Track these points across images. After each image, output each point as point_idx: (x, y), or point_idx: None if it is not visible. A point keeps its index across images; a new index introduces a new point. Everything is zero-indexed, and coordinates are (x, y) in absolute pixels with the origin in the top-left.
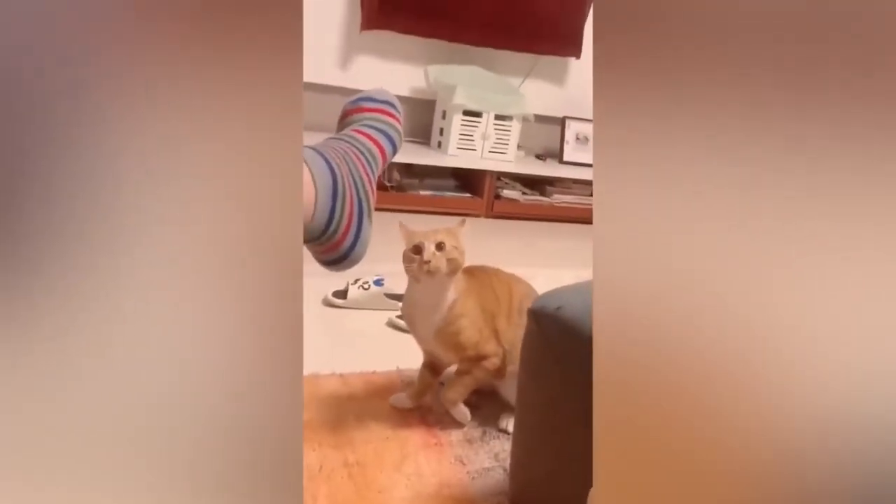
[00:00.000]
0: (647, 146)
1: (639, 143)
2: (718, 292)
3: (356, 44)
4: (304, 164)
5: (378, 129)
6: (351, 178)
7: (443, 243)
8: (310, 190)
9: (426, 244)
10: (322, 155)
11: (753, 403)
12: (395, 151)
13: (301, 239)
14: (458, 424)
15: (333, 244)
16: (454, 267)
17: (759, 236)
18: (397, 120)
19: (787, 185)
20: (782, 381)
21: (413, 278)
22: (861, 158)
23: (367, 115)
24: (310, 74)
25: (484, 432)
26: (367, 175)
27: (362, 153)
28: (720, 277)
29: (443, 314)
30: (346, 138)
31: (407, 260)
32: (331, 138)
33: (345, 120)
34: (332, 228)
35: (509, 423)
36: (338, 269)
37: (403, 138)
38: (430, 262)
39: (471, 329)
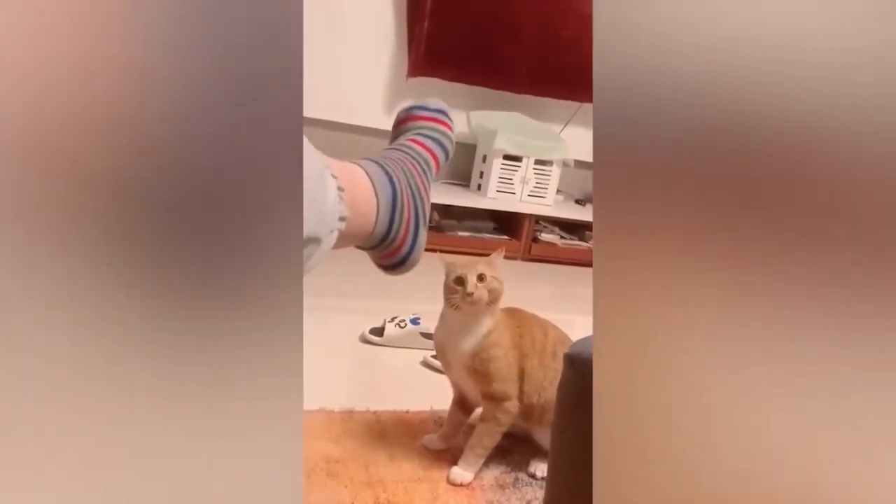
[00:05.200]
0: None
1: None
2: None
3: (402, 89)
4: (367, 178)
5: (432, 138)
6: (409, 188)
7: (483, 275)
8: (372, 202)
9: (468, 276)
10: (383, 168)
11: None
12: (447, 158)
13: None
14: (490, 467)
15: (392, 250)
16: (495, 296)
17: (747, 307)
18: (449, 128)
19: (783, 266)
20: (780, 442)
21: (453, 308)
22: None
23: (421, 123)
24: (357, 118)
25: (516, 478)
26: (423, 183)
27: (418, 162)
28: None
29: (477, 340)
30: (403, 148)
31: (449, 291)
32: (388, 149)
33: (400, 127)
34: (391, 236)
35: (538, 469)
36: (395, 273)
37: (454, 146)
38: (472, 294)
39: (503, 360)
